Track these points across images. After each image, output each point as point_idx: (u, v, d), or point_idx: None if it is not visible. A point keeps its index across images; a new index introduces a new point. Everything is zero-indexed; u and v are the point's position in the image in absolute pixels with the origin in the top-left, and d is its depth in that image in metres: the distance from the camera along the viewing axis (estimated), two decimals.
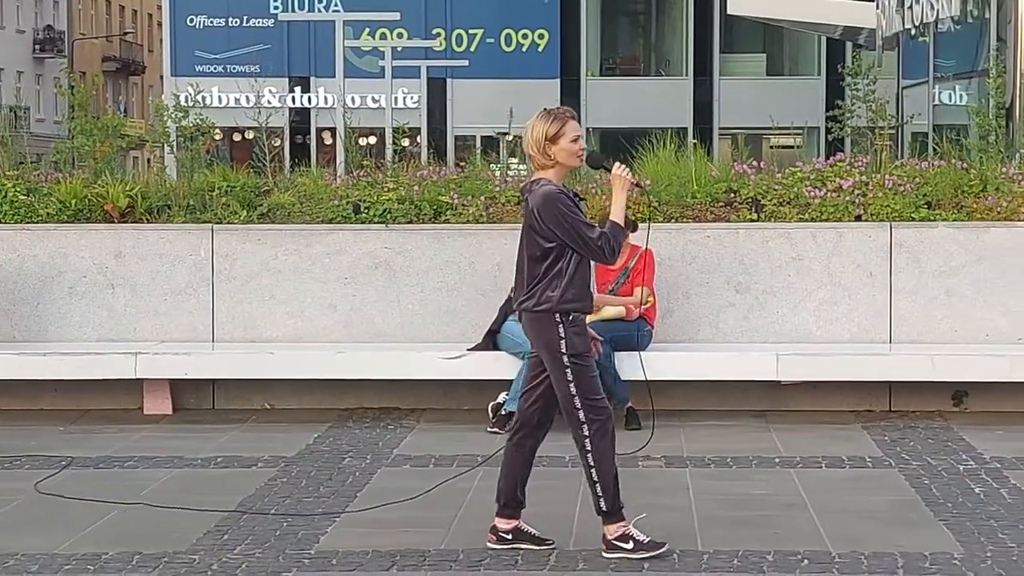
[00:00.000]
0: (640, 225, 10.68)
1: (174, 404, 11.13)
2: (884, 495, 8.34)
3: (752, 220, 11.42)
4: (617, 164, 7.18)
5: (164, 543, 7.23)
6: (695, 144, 13.14)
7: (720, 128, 42.06)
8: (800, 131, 34.68)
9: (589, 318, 10.40)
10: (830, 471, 9.04)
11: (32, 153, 15.03)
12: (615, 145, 17.56)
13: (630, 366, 10.48)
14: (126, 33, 76.64)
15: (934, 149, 13.19)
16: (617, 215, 7.10)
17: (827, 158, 12.23)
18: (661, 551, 6.94)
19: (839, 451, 9.53)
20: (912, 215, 11.32)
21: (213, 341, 11.40)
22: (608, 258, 7.08)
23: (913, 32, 30.47)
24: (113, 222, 11.77)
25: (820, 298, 11.19)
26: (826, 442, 9.86)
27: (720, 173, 11.94)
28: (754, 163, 12.02)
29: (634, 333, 10.59)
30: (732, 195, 11.65)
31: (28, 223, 11.73)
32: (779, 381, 10.77)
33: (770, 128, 30.74)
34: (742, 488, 8.53)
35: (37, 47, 69.17)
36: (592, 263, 7.25)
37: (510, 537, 7.16)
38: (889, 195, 11.41)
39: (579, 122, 7.16)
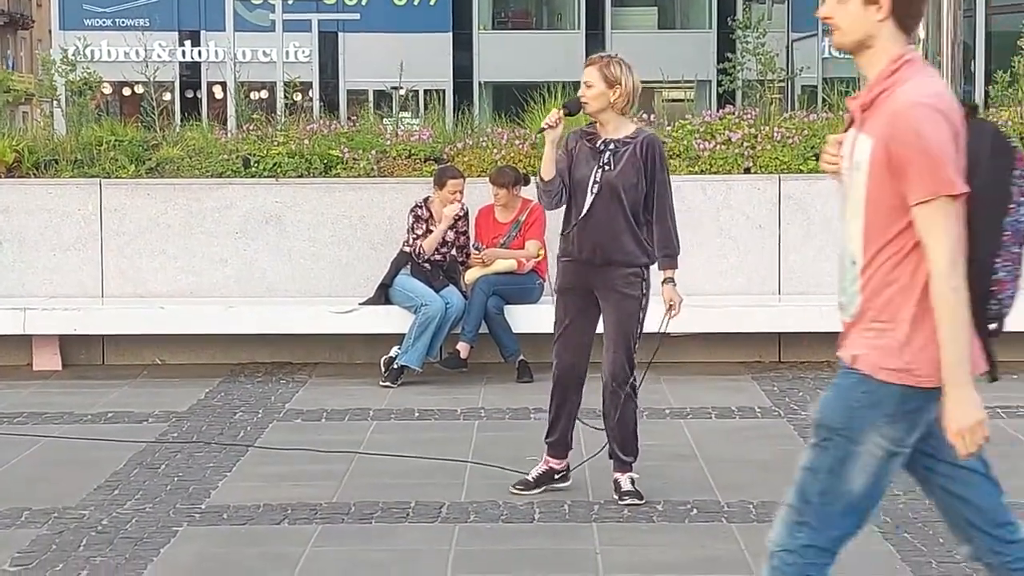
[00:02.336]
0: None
1: (64, 360, 11.03)
2: (773, 444, 8.45)
3: None
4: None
5: (53, 499, 7.18)
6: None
7: None
8: (691, 84, 34.84)
9: (483, 271, 10.54)
10: (720, 421, 9.14)
11: None
12: (509, 98, 17.56)
13: (521, 319, 10.53)
14: None
15: (823, 101, 13.32)
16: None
17: (718, 111, 12.31)
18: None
19: (729, 402, 9.64)
20: (800, 167, 11.43)
21: (103, 296, 11.30)
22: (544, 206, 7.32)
23: None
24: (0, 177, 11.61)
25: (710, 250, 11.28)
26: (716, 393, 9.97)
27: None
28: (644, 116, 12.07)
29: (526, 286, 10.64)
30: None
31: None
32: (668, 333, 10.82)
33: (661, 82, 30.82)
34: None
35: None
36: (566, 211, 7.21)
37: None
38: (778, 147, 11.51)
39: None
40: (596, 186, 7.07)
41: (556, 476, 7.40)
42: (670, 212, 7.22)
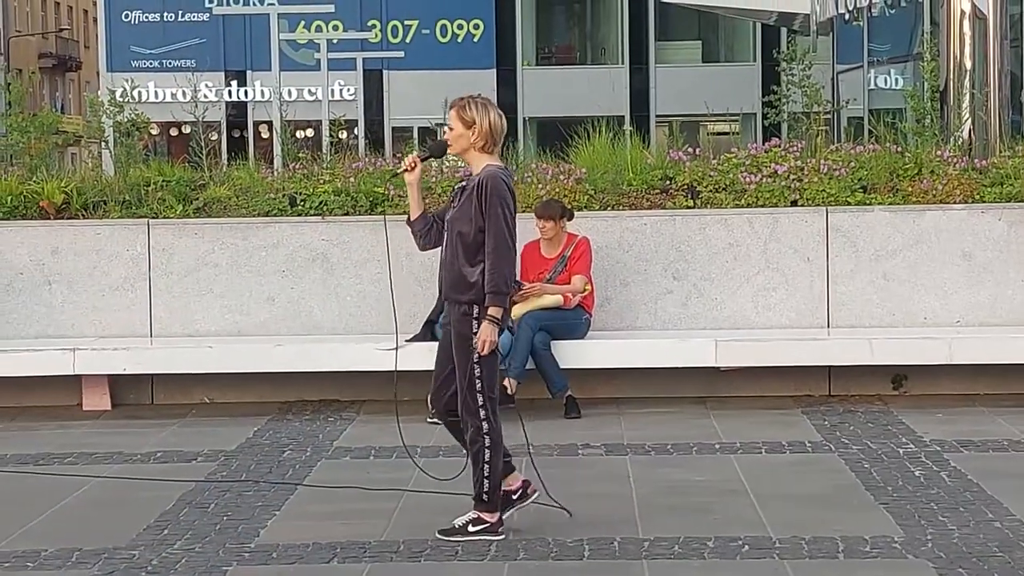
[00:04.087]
0: (575, 214, 10.80)
1: (113, 400, 11.06)
2: (824, 480, 8.38)
3: (688, 207, 11.45)
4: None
5: (104, 539, 7.19)
6: (631, 132, 13.14)
7: (656, 116, 42.11)
8: (736, 117, 34.78)
9: (529, 306, 10.52)
10: (770, 456, 9.08)
11: None
12: (553, 134, 17.57)
13: (569, 354, 10.51)
14: (62, 30, 75.99)
15: (870, 133, 13.25)
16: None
17: (764, 144, 12.27)
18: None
19: (779, 436, 9.57)
20: (848, 199, 11.38)
21: (151, 336, 11.33)
22: None
23: (847, 17, 30.61)
24: (49, 218, 11.67)
25: (758, 284, 11.23)
26: (766, 427, 9.91)
27: (656, 160, 11.97)
28: (689, 150, 12.05)
29: (572, 321, 10.61)
30: (668, 182, 11.68)
31: None
32: (718, 367, 10.81)
33: (706, 115, 30.79)
34: (682, 475, 8.55)
35: None
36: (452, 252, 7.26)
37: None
38: (824, 180, 11.46)
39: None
40: (448, 225, 7.27)
41: (513, 497, 7.34)
42: (497, 248, 7.13)
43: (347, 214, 11.52)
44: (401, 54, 39.96)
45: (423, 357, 10.58)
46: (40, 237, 11.49)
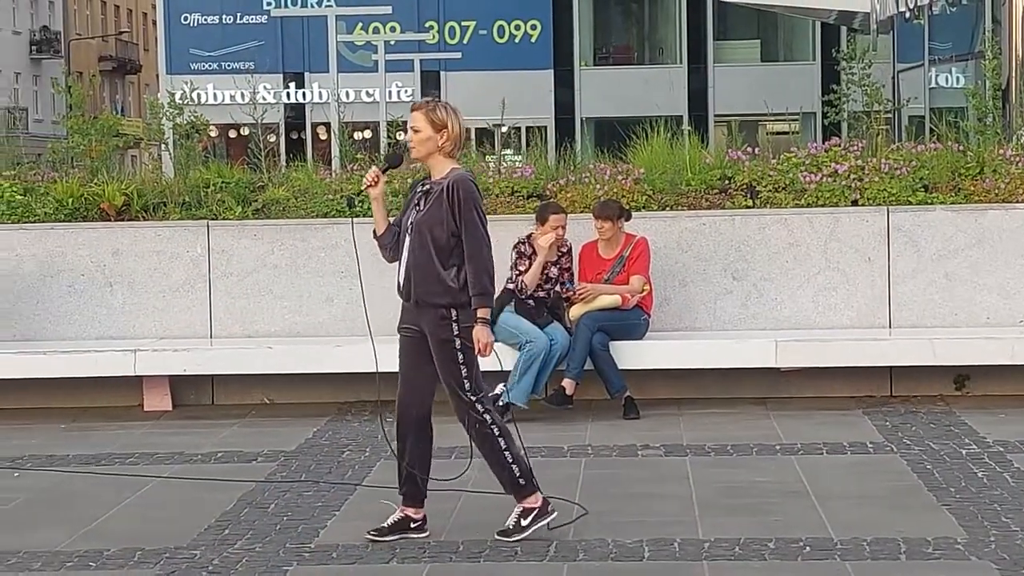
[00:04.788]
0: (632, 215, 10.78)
1: (174, 400, 11.11)
2: (886, 480, 8.32)
3: (748, 207, 11.40)
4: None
5: (165, 539, 7.22)
6: (690, 131, 13.10)
7: (715, 115, 42.02)
8: (796, 117, 34.67)
9: (587, 307, 10.49)
10: (831, 457, 9.02)
11: (30, 153, 15.02)
12: (611, 134, 17.54)
13: (628, 355, 10.48)
14: (121, 33, 76.54)
15: (931, 132, 13.16)
16: None
17: (824, 143, 12.21)
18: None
19: (840, 437, 9.51)
20: (909, 199, 11.30)
21: (211, 337, 11.38)
22: None
23: (907, 15, 30.42)
24: (110, 220, 11.75)
25: (818, 284, 11.17)
26: (827, 428, 9.85)
27: (715, 160, 11.93)
28: (748, 149, 12.00)
29: (631, 322, 10.58)
30: (727, 182, 11.64)
31: (25, 222, 11.73)
32: (778, 368, 10.75)
33: (766, 114, 30.68)
34: (743, 476, 8.51)
35: (34, 48, 69.08)
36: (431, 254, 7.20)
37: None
38: (886, 179, 11.39)
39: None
40: (410, 228, 7.17)
41: (412, 525, 7.29)
42: (479, 251, 7.09)
43: None
44: (458, 55, 40.03)
45: (481, 358, 10.62)
46: (101, 239, 11.56)
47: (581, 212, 11.15)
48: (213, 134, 29.14)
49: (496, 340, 10.45)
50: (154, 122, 19.20)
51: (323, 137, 41.85)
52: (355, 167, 12.41)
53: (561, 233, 10.46)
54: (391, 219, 7.32)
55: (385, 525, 7.26)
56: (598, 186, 11.50)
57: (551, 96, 43.03)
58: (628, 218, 10.74)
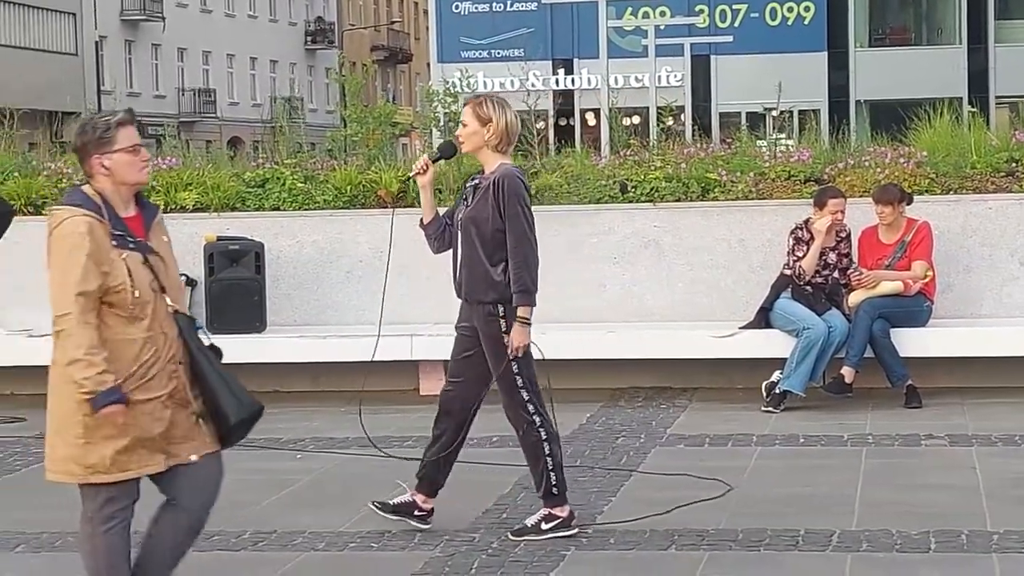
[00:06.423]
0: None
1: None
2: None
3: None
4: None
5: (445, 521, 7.28)
6: (973, 113, 12.72)
7: (997, 97, 40.89)
8: None
9: (867, 293, 10.27)
10: None
11: (307, 142, 15.35)
12: (888, 116, 17.16)
13: (909, 342, 10.23)
14: (393, 22, 77.99)
15: None
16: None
17: None
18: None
19: None
20: None
21: None
22: None
23: None
24: (387, 207, 11.92)
25: None
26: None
27: (1000, 143, 11.55)
28: None
29: (913, 309, 10.32)
30: (1014, 164, 11.26)
31: (306, 209, 11.97)
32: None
33: None
34: None
35: (308, 39, 70.96)
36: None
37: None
38: None
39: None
40: (460, 224, 7.08)
41: (416, 513, 7.18)
42: (522, 248, 6.92)
43: (678, 200, 11.44)
44: (730, 38, 39.68)
45: (758, 345, 10.52)
46: (378, 226, 11.71)
47: (860, 196, 10.91)
48: None
49: (772, 326, 10.41)
50: (428, 109, 19.49)
51: (591, 123, 41.98)
52: (627, 152, 12.36)
53: (840, 217, 10.26)
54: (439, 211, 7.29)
55: (391, 502, 7.28)
56: (878, 170, 11.24)
57: (824, 79, 42.39)
58: (909, 202, 10.47)
